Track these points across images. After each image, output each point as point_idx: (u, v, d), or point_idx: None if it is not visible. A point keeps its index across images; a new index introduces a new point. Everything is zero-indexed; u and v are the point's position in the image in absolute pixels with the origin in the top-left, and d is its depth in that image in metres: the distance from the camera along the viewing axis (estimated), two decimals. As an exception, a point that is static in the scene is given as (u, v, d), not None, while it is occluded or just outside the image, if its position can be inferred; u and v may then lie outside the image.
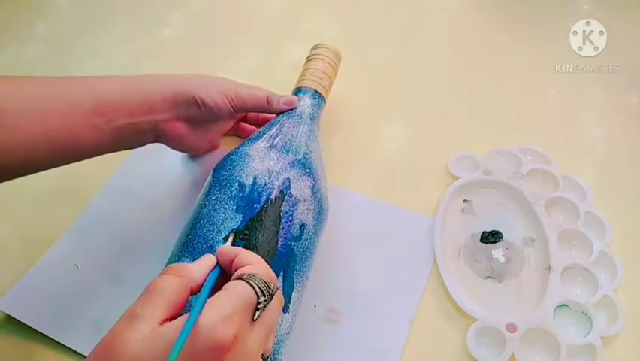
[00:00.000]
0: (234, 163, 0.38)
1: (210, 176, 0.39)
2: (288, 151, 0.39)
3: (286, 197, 0.36)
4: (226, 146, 0.49)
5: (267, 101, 0.43)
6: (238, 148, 0.40)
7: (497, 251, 0.43)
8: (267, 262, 0.33)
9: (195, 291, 0.26)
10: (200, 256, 0.34)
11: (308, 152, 0.40)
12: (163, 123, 0.40)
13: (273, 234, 0.35)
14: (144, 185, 0.48)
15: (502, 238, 0.43)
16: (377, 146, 0.51)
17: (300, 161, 0.39)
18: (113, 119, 0.37)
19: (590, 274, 0.40)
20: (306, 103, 0.44)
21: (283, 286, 0.34)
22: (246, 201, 0.36)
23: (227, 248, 0.29)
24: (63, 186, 0.49)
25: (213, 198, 0.37)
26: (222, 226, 0.35)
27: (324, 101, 0.46)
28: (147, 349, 0.22)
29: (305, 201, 0.37)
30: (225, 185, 0.37)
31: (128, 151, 0.42)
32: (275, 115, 0.44)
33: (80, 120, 0.36)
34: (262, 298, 0.25)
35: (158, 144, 0.42)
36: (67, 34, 0.65)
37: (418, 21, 0.63)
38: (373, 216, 0.45)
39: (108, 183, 0.48)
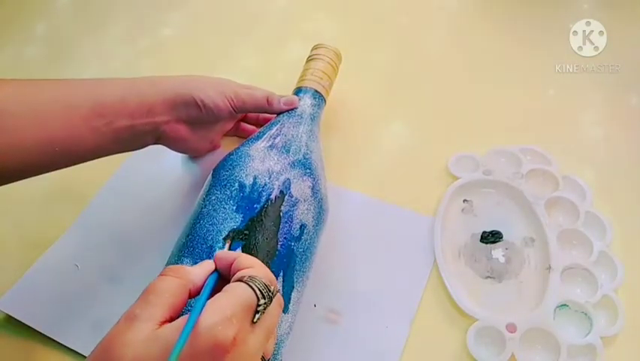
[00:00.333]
0: (234, 163, 0.38)
1: (210, 176, 0.39)
2: (288, 151, 0.39)
3: (286, 197, 0.36)
4: (226, 146, 0.49)
5: (267, 101, 0.43)
6: (238, 148, 0.40)
7: (497, 251, 0.43)
8: (267, 262, 0.34)
9: (194, 294, 0.26)
10: (200, 256, 0.34)
11: (308, 152, 0.40)
12: (163, 125, 0.40)
13: (273, 234, 0.35)
14: (144, 185, 0.48)
15: (502, 238, 0.43)
16: (377, 146, 0.51)
17: (300, 161, 0.39)
18: (113, 121, 0.37)
19: (590, 274, 0.40)
20: (306, 103, 0.44)
21: (283, 286, 0.34)
22: (246, 201, 0.36)
23: (225, 253, 0.29)
24: (63, 186, 0.49)
25: (213, 198, 0.37)
26: (222, 226, 0.35)
27: (325, 101, 0.46)
28: (147, 350, 0.22)
29: (305, 201, 0.37)
30: (225, 185, 0.37)
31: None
32: (275, 115, 0.44)
33: (79, 123, 0.36)
34: (262, 301, 0.25)
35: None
36: (67, 34, 0.65)
37: (418, 21, 0.63)
38: (373, 216, 0.45)
39: (108, 183, 0.48)
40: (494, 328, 0.38)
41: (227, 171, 0.38)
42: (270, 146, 0.39)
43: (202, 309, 0.23)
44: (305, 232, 0.37)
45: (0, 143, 0.33)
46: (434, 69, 0.57)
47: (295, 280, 0.35)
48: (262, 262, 0.33)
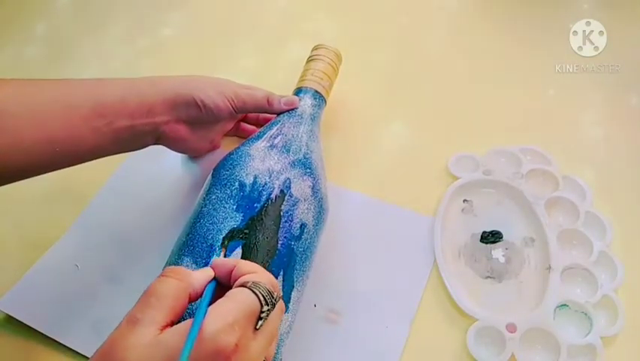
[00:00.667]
0: (235, 162, 0.38)
1: (210, 176, 0.39)
2: (288, 151, 0.39)
3: (286, 196, 0.36)
4: (226, 146, 0.49)
5: (268, 101, 0.43)
6: (238, 148, 0.40)
7: (497, 251, 0.43)
8: (267, 261, 0.34)
9: (193, 299, 0.26)
10: (201, 255, 0.34)
11: (308, 152, 0.40)
12: (163, 125, 0.40)
13: (273, 233, 0.35)
14: (144, 185, 0.48)
15: (502, 238, 0.43)
16: (377, 146, 0.51)
17: (300, 161, 0.39)
18: (113, 121, 0.37)
19: (590, 274, 0.40)
20: (306, 103, 0.44)
21: (283, 285, 0.34)
22: (247, 200, 0.36)
23: (222, 260, 0.28)
24: (63, 186, 0.49)
25: (213, 197, 0.37)
26: (222, 225, 0.35)
27: (325, 101, 0.46)
28: (150, 355, 0.22)
29: (305, 200, 0.37)
30: (226, 184, 0.37)
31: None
32: (275, 115, 0.44)
33: (80, 123, 0.36)
34: (266, 308, 0.25)
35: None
36: (67, 34, 0.65)
37: (418, 21, 0.63)
38: (373, 216, 0.45)
39: (108, 183, 0.48)
40: (494, 328, 0.38)
41: (228, 170, 0.38)
42: (271, 145, 0.39)
43: (204, 315, 0.23)
44: (305, 231, 0.37)
45: (0, 143, 0.33)
46: (434, 69, 0.57)
47: (295, 279, 0.35)
48: (262, 261, 0.33)
